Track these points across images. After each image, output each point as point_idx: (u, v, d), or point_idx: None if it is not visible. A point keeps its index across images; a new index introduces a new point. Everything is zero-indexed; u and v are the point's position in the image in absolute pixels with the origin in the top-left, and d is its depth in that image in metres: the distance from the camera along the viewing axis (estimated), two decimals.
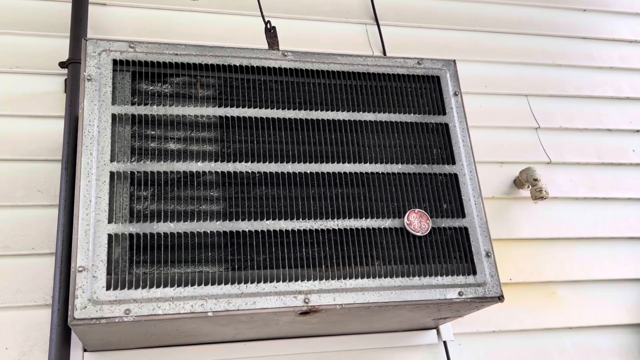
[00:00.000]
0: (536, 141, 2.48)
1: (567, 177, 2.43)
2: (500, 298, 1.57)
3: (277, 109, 1.61)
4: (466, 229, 1.61)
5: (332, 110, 1.65)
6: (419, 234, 1.56)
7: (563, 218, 2.33)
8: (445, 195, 1.65)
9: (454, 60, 1.82)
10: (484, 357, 2.00)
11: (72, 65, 1.96)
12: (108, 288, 1.33)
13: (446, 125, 1.72)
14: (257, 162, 1.54)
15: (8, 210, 1.84)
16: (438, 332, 1.96)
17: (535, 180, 2.23)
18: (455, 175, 1.67)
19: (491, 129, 2.45)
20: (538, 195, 2.20)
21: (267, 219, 1.49)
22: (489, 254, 1.60)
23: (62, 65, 1.99)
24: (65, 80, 2.00)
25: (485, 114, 2.48)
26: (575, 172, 2.45)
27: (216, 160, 1.52)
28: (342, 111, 1.66)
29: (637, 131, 2.64)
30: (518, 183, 2.32)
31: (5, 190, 1.85)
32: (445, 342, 1.95)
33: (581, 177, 2.45)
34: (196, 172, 1.49)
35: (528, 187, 2.29)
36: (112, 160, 1.44)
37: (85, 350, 1.68)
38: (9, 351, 1.66)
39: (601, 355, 2.12)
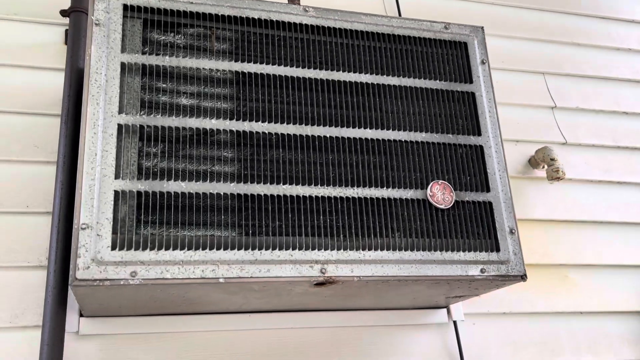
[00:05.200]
0: (552, 121, 2.40)
1: (582, 158, 2.36)
2: (523, 277, 1.49)
3: (296, 67, 1.51)
4: (490, 203, 1.53)
5: (354, 72, 1.55)
6: (442, 206, 1.48)
7: (577, 200, 2.26)
8: (470, 168, 1.56)
9: (482, 27, 1.73)
10: (494, 338, 1.94)
11: (75, 14, 1.83)
12: (113, 248, 1.23)
13: (473, 94, 1.63)
14: (274, 122, 1.44)
15: (2, 165, 1.73)
16: (448, 312, 1.89)
17: (552, 160, 2.15)
18: (481, 147, 1.58)
19: (507, 105, 2.36)
20: (555, 175, 2.12)
21: (283, 184, 1.40)
22: (513, 231, 1.52)
23: (64, 13, 1.86)
24: (66, 30, 1.88)
25: (502, 90, 2.39)
26: (590, 154, 2.38)
27: (231, 119, 1.42)
28: (365, 74, 1.56)
29: None
30: (533, 162, 2.24)
31: None
32: (455, 322, 1.89)
33: (596, 159, 2.38)
34: (209, 129, 1.39)
35: (543, 167, 2.21)
36: (120, 112, 1.34)
37: (81, 315, 1.59)
38: (1, 313, 1.57)
39: (610, 340, 2.07)
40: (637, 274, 2.21)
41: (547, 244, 2.14)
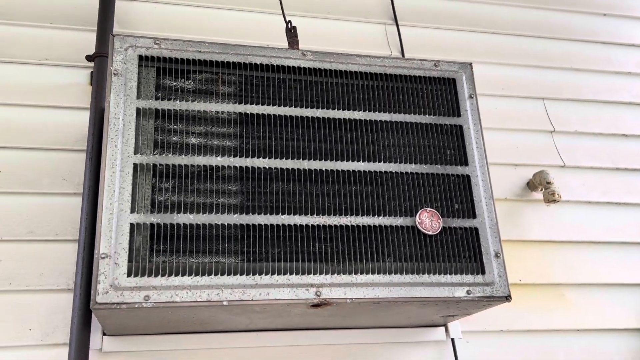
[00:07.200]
0: (551, 144, 2.50)
1: (580, 181, 2.45)
2: (508, 298, 1.60)
3: (295, 107, 1.66)
4: (476, 229, 1.65)
5: (349, 110, 1.70)
6: (429, 232, 1.60)
7: (575, 221, 2.35)
8: (457, 196, 1.68)
9: (471, 63, 1.85)
10: (491, 356, 2.04)
11: (99, 58, 2.02)
12: (129, 275, 1.39)
13: (460, 127, 1.76)
14: (275, 158, 1.59)
15: (34, 197, 1.91)
16: (446, 330, 1.99)
17: (549, 183, 2.25)
18: (468, 176, 1.70)
19: (507, 131, 2.47)
20: (550, 198, 2.22)
21: (282, 214, 1.54)
22: (498, 255, 1.63)
23: (89, 58, 2.05)
24: (91, 73, 2.07)
25: (501, 115, 2.50)
26: (589, 176, 2.47)
27: (235, 155, 1.57)
28: (359, 111, 1.70)
29: None
30: (531, 185, 2.35)
31: (31, 177, 1.93)
32: (453, 340, 1.99)
33: (595, 181, 2.47)
34: (216, 166, 1.55)
35: (541, 189, 2.31)
36: (135, 153, 1.50)
37: (104, 334, 1.75)
38: (32, 332, 1.74)
39: (608, 357, 2.15)
40: (635, 292, 2.29)
41: (544, 264, 2.23)
